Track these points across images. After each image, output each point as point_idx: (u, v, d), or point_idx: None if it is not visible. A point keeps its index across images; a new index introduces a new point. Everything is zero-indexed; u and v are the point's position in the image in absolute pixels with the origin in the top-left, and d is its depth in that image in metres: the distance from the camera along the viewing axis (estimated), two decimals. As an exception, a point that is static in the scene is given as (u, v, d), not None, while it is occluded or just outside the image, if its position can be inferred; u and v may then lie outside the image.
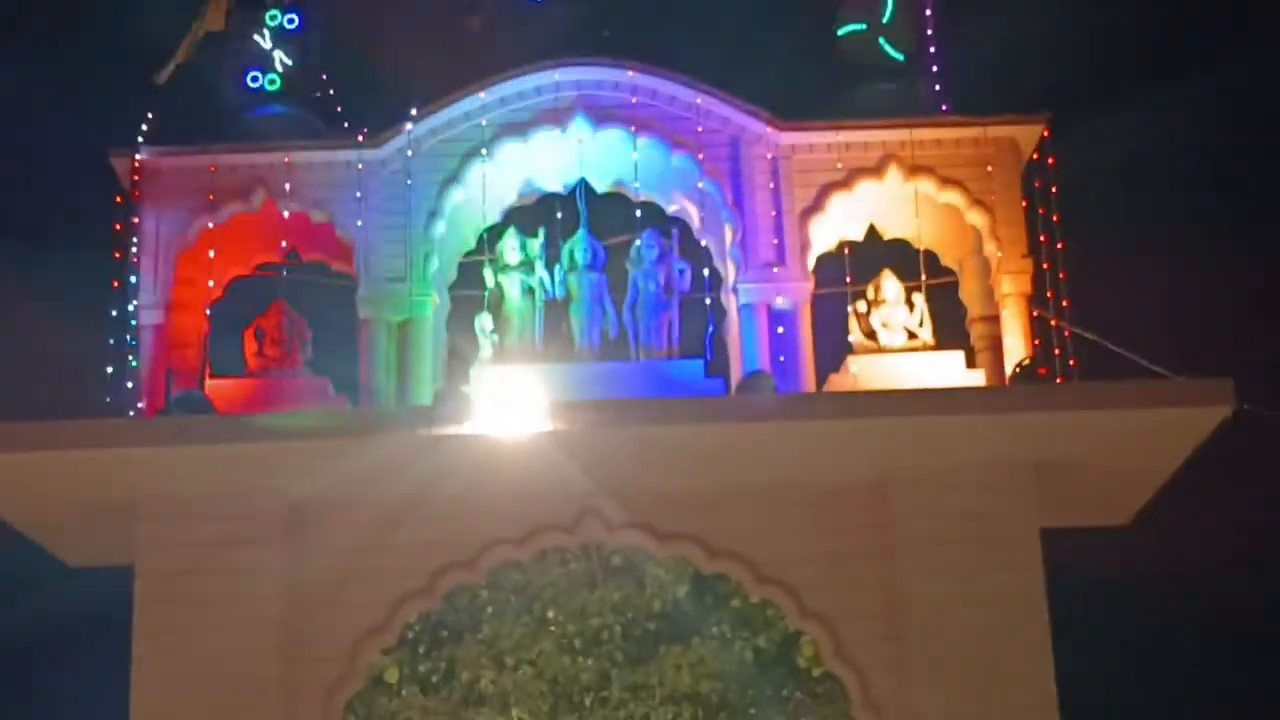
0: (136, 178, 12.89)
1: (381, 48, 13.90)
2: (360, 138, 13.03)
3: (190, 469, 11.81)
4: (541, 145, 13.13)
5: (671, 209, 13.56)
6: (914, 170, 12.95)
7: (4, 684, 22.73)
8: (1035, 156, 13.03)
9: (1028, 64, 18.74)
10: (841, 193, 12.96)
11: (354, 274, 12.94)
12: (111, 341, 12.51)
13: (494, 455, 11.81)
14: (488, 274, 13.21)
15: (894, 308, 12.84)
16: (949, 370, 12.57)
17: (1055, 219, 12.71)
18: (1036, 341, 12.61)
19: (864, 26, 13.32)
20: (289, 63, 13.32)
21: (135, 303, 12.66)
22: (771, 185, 12.94)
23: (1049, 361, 12.38)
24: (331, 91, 13.45)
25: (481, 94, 13.05)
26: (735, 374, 12.80)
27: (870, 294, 12.91)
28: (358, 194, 12.90)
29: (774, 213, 12.89)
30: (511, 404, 11.77)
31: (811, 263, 12.95)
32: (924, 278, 13.06)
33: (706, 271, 13.31)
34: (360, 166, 12.95)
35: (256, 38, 13.35)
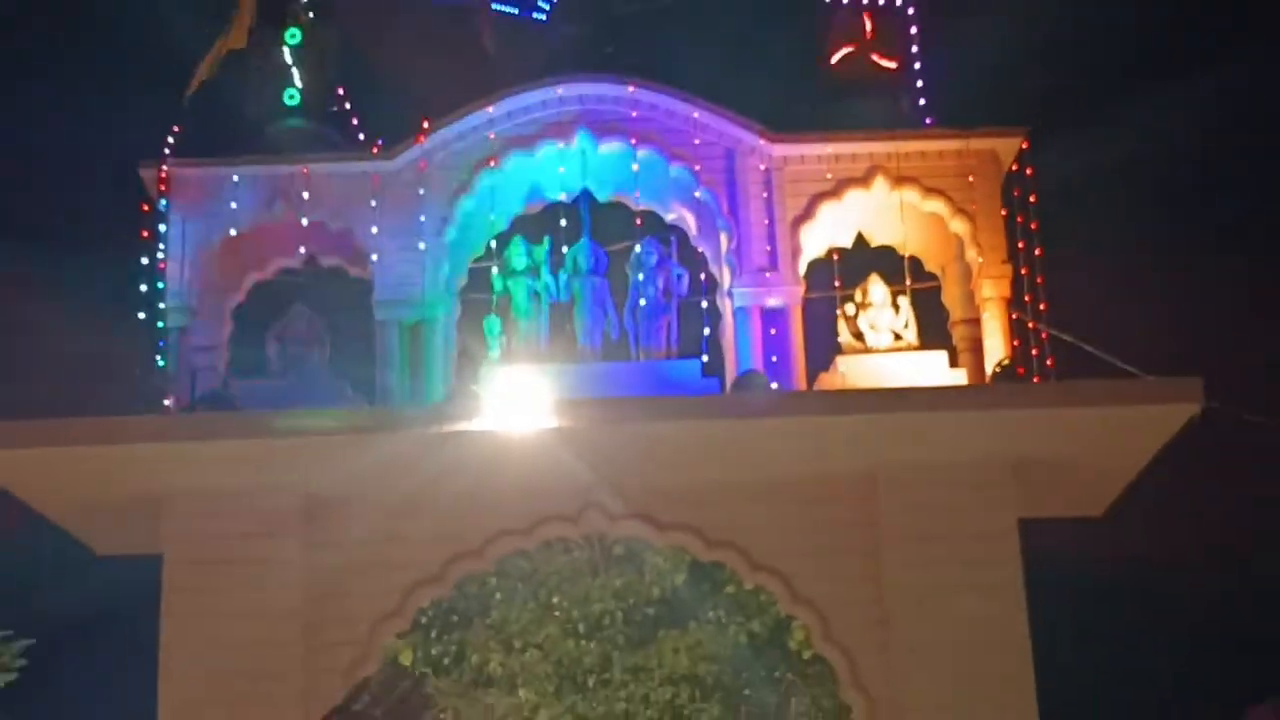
0: (163, 188, 12.87)
1: (395, 64, 13.89)
2: (375, 150, 13.01)
3: (215, 464, 11.79)
4: (547, 157, 13.12)
5: (670, 217, 13.55)
6: (899, 180, 12.93)
7: (39, 667, 22.71)
8: (1014, 167, 13.02)
9: (1007, 80, 18.73)
10: (831, 202, 12.94)
11: (369, 278, 12.92)
12: (140, 343, 12.48)
13: (502, 450, 11.79)
14: (496, 279, 13.19)
15: (880, 310, 12.83)
16: (932, 370, 12.56)
17: (1033, 227, 12.71)
18: (1015, 343, 12.60)
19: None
20: (307, 78, 13.29)
21: (162, 306, 12.64)
22: (764, 195, 12.92)
23: (1027, 361, 12.37)
24: (348, 106, 13.43)
25: (490, 109, 13.04)
26: (730, 373, 12.79)
27: (858, 298, 12.89)
28: (373, 203, 12.88)
29: (767, 221, 12.87)
30: (518, 402, 11.76)
31: (802, 268, 12.93)
32: (909, 282, 13.05)
33: (703, 276, 13.30)
34: (375, 177, 12.94)
35: (276, 54, 13.32)
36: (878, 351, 12.69)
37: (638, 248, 13.20)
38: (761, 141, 13.00)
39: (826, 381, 12.62)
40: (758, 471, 12.17)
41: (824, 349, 12.82)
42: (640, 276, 13.10)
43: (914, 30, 13.36)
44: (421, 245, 12.82)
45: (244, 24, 13.36)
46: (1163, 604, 22.12)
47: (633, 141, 13.03)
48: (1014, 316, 12.68)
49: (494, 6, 13.86)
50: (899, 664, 11.78)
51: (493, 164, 13.00)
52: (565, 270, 13.18)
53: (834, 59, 13.39)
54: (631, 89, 13.07)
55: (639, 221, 13.40)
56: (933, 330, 13.06)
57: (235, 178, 12.90)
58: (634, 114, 13.08)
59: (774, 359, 12.57)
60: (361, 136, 13.29)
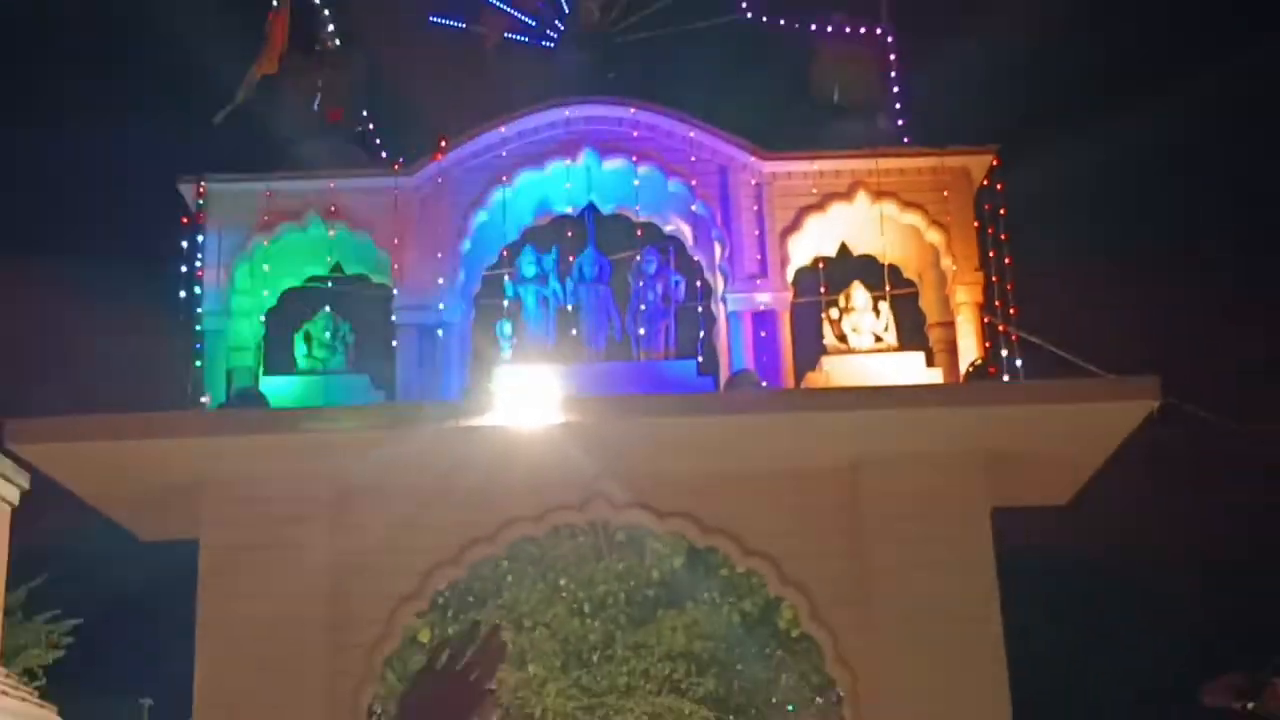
0: (201, 201, 12.84)
1: (415, 87, 13.86)
2: (397, 167, 12.98)
3: (248, 456, 11.76)
4: (555, 173, 13.09)
5: (668, 228, 13.51)
6: (879, 195, 12.89)
7: (87, 643, 22.69)
8: (985, 183, 12.98)
9: (978, 102, 18.73)
10: (816, 214, 12.90)
11: (391, 285, 12.88)
12: (179, 344, 12.46)
13: (513, 444, 11.77)
14: (507, 285, 13.15)
15: (862, 314, 12.79)
16: (911, 369, 12.52)
17: (1003, 237, 12.67)
18: (987, 344, 12.56)
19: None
20: (335, 100, 13.27)
21: (199, 311, 12.61)
22: (755, 208, 12.89)
23: (998, 361, 12.33)
24: (371, 126, 13.40)
25: (502, 129, 13.00)
26: (724, 373, 12.75)
27: (842, 302, 12.85)
28: (394, 215, 12.84)
29: (757, 232, 12.83)
30: (528, 399, 11.73)
31: (790, 275, 12.89)
32: (888, 288, 13.00)
33: (699, 283, 13.26)
34: (397, 191, 12.90)
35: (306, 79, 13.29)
36: (860, 352, 12.65)
37: (638, 257, 13.16)
38: (753, 159, 12.96)
39: (813, 380, 12.58)
40: (749, 463, 12.14)
41: (810, 350, 12.78)
42: (641, 283, 13.06)
43: (892, 56, 13.31)
44: (439, 254, 12.79)
45: (275, 51, 13.35)
46: (1127, 584, 22.10)
47: (634, 159, 12.99)
48: (985, 320, 12.64)
49: (506, 35, 13.81)
50: (880, 641, 11.76)
51: (505, 180, 12.96)
52: (571, 277, 13.14)
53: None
54: (633, 111, 13.04)
55: (639, 232, 13.37)
56: (911, 333, 13.02)
57: (267, 192, 12.86)
58: (635, 134, 13.04)
59: (764, 359, 12.53)
60: (384, 154, 13.24)
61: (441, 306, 12.74)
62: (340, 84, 13.35)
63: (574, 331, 13.00)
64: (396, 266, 12.79)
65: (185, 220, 12.87)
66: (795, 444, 11.96)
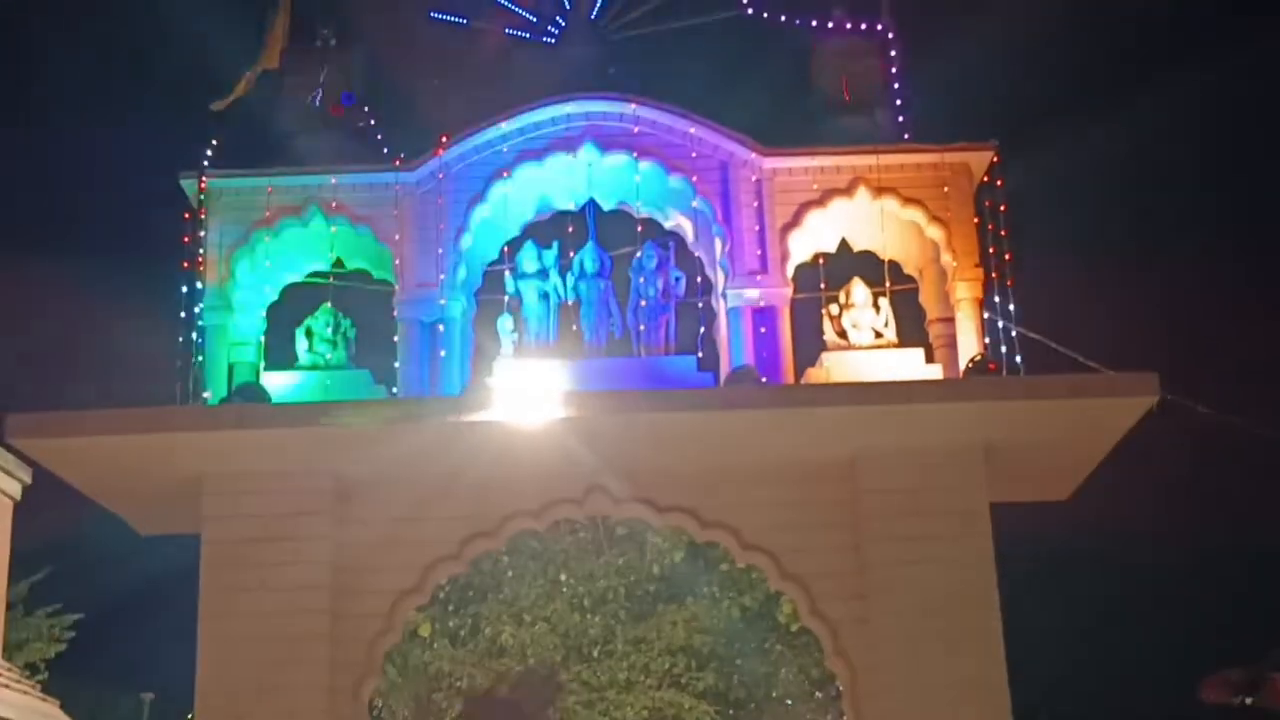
0: (203, 196, 12.83)
1: (415, 82, 13.85)
2: (398, 162, 12.97)
3: (249, 450, 11.77)
4: (555, 168, 13.07)
5: (669, 224, 13.50)
6: (880, 191, 12.88)
7: (91, 636, 22.70)
8: (985, 179, 12.98)
9: (979, 98, 18.73)
10: (817, 210, 12.89)
11: (392, 280, 12.88)
12: (181, 339, 12.45)
13: (514, 438, 11.77)
14: (508, 281, 13.15)
15: (862, 310, 12.79)
16: (910, 365, 12.52)
17: (1003, 233, 12.66)
18: (987, 340, 12.56)
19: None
20: (334, 96, 13.26)
21: (201, 305, 12.61)
22: (756, 204, 12.88)
23: (998, 357, 12.33)
24: (372, 121, 13.38)
25: (503, 124, 12.99)
26: (724, 368, 12.75)
27: (842, 298, 12.85)
28: (395, 211, 12.84)
29: (758, 228, 12.83)
30: (529, 394, 11.73)
31: (791, 271, 12.88)
32: (888, 284, 13.00)
33: (699, 279, 13.25)
34: (398, 187, 12.90)
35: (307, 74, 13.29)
36: (860, 348, 12.65)
37: (639, 252, 13.15)
38: (753, 155, 12.95)
39: (813, 376, 12.58)
40: (749, 458, 12.14)
41: (810, 346, 12.78)
42: (641, 279, 13.05)
43: (893, 52, 13.30)
44: (440, 250, 12.79)
45: (276, 46, 13.34)
46: (1124, 579, 22.10)
47: (635, 155, 12.98)
48: (985, 316, 12.64)
49: (506, 31, 13.80)
50: (879, 635, 11.76)
51: (506, 175, 12.95)
52: (572, 273, 13.13)
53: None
54: (634, 107, 13.03)
55: (640, 228, 13.36)
56: (910, 328, 13.02)
57: (269, 187, 12.86)
58: (636, 129, 13.03)
59: (764, 355, 12.52)
60: (386, 150, 13.22)
61: (442, 302, 12.74)
62: (341, 79, 13.34)
63: (575, 327, 12.99)
64: (398, 262, 12.78)
65: (187, 215, 12.87)
66: (795, 439, 11.96)
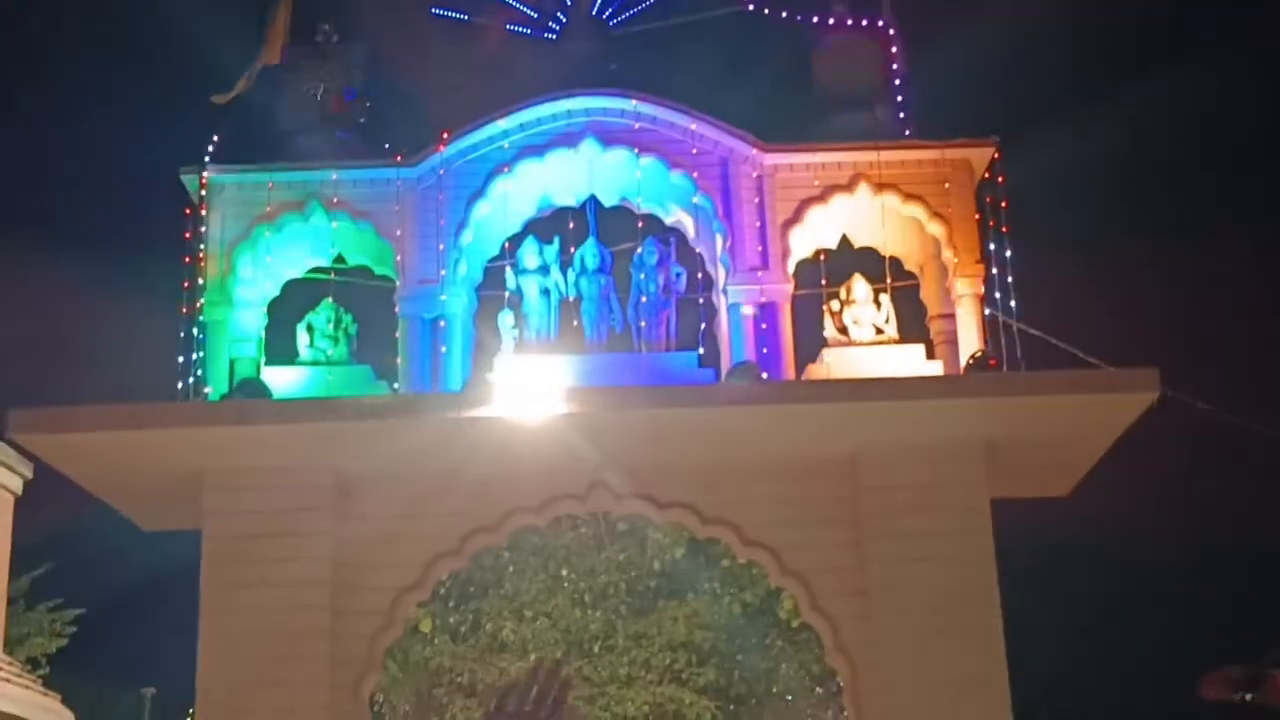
0: (204, 192, 12.83)
1: (416, 78, 13.85)
2: (399, 158, 12.97)
3: (250, 446, 11.77)
4: (556, 164, 13.07)
5: (670, 220, 13.50)
6: (881, 187, 12.88)
7: (92, 631, 22.71)
8: (987, 175, 12.97)
9: (980, 94, 18.72)
10: (818, 206, 12.89)
11: (394, 276, 12.88)
12: (181, 335, 12.46)
13: (515, 434, 11.77)
14: (510, 277, 13.15)
15: (863, 306, 12.78)
16: (911, 361, 12.52)
17: (1004, 229, 12.67)
18: (987, 336, 12.55)
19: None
20: (336, 92, 13.26)
21: (202, 301, 12.61)
22: (757, 200, 12.87)
23: (998, 353, 12.32)
24: (374, 117, 13.37)
25: (504, 120, 12.98)
26: (725, 364, 12.74)
27: (842, 294, 12.85)
28: (396, 207, 12.83)
29: (759, 224, 12.82)
30: (530, 390, 11.73)
31: (791, 267, 12.88)
32: (889, 280, 13.00)
33: (700, 275, 13.25)
34: (399, 182, 12.89)
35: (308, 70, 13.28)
36: (861, 344, 12.64)
37: (640, 248, 13.15)
38: (754, 151, 12.94)
39: (813, 372, 12.58)
40: (750, 454, 12.14)
41: (811, 342, 12.78)
42: (642, 275, 13.04)
43: (894, 48, 13.30)
44: (441, 246, 12.78)
45: (277, 41, 13.33)
46: (1127, 578, 22.11)
47: (636, 150, 12.97)
48: (986, 312, 12.63)
49: (508, 27, 13.79)
50: (880, 631, 11.76)
51: (507, 171, 12.95)
52: (573, 269, 13.13)
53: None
54: (635, 103, 13.02)
55: (641, 224, 13.35)
56: (911, 325, 13.02)
57: (270, 182, 12.86)
58: (637, 125, 13.03)
59: (765, 351, 12.52)
60: (386, 145, 13.22)
61: (444, 298, 12.74)
62: (342, 75, 13.33)
63: (575, 323, 12.98)
64: (399, 258, 12.78)
65: (188, 210, 12.87)
66: (796, 435, 11.96)
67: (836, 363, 12.51)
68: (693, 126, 12.97)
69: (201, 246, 12.71)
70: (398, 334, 12.71)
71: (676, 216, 13.45)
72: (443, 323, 12.74)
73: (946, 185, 12.86)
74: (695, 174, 12.89)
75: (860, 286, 12.85)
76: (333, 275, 13.25)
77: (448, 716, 21.80)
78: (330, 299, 12.96)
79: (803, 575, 12.13)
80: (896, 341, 12.70)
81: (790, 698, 21.98)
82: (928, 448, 11.82)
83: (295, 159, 12.99)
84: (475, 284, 13.30)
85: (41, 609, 21.82)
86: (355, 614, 11.95)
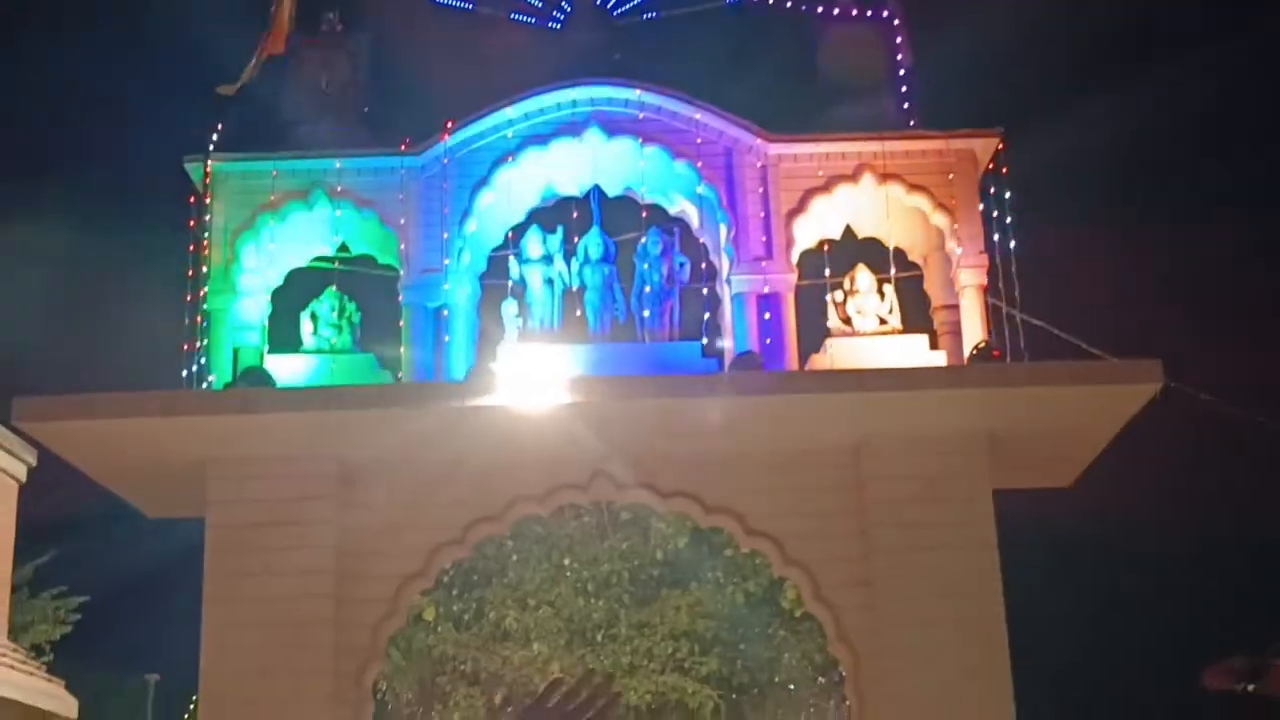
0: (208, 180, 12.83)
1: (420, 67, 13.83)
2: (403, 147, 12.96)
3: (254, 435, 11.78)
4: (560, 154, 13.06)
5: (674, 210, 13.49)
6: (885, 177, 12.87)
7: (96, 619, 22.74)
8: (991, 165, 12.96)
9: (985, 84, 18.68)
10: (822, 196, 12.88)
11: (397, 265, 12.88)
12: (185, 323, 12.46)
13: (518, 423, 11.77)
14: (513, 266, 13.14)
15: (867, 297, 12.78)
16: (915, 352, 12.51)
17: (1008, 220, 12.65)
18: (991, 327, 12.55)
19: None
20: (340, 80, 13.24)
21: (206, 289, 12.61)
22: (761, 190, 12.86)
23: (1002, 344, 12.31)
24: (376, 106, 13.36)
25: (508, 109, 12.98)
26: (728, 354, 12.74)
27: (846, 285, 12.84)
28: (400, 196, 12.83)
29: (763, 214, 12.81)
30: (533, 379, 11.74)
31: (795, 257, 12.88)
32: (893, 271, 12.98)
33: (704, 265, 13.25)
34: (403, 172, 12.89)
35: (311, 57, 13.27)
36: (864, 335, 12.64)
37: (644, 238, 13.14)
38: (758, 141, 12.93)
39: (817, 362, 12.58)
40: (753, 444, 12.14)
41: (815, 332, 12.78)
42: (646, 265, 13.04)
43: (898, 38, 13.28)
44: (445, 235, 12.78)
45: (282, 31, 13.32)
46: (1130, 568, 22.10)
47: (640, 140, 12.96)
48: (990, 303, 12.62)
49: (512, 16, 13.78)
50: (882, 621, 11.77)
51: (511, 160, 12.94)
52: (577, 258, 13.12)
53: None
54: (639, 92, 13.01)
55: (645, 214, 13.34)
56: (915, 315, 13.01)
57: (274, 171, 12.86)
58: (641, 115, 13.02)
59: (769, 341, 12.52)
60: (390, 134, 13.20)
61: (447, 286, 12.74)
62: (346, 64, 13.32)
63: (579, 312, 12.98)
64: (402, 247, 12.78)
65: (192, 199, 12.87)
66: (799, 425, 11.96)
67: (840, 353, 12.50)
68: (697, 116, 12.96)
69: (205, 235, 12.71)
70: (401, 323, 12.71)
71: (680, 206, 13.44)
72: (446, 312, 12.74)
73: (951, 176, 12.85)
74: (699, 164, 12.88)
75: (864, 277, 12.84)
76: (336, 264, 13.26)
77: (451, 704, 21.84)
78: (334, 287, 12.96)
79: (806, 565, 12.14)
80: (900, 332, 12.70)
81: (793, 687, 22.02)
82: (931, 438, 11.82)
83: (299, 147, 12.99)
84: (479, 273, 13.30)
85: (45, 596, 21.87)
86: (359, 602, 11.97)
